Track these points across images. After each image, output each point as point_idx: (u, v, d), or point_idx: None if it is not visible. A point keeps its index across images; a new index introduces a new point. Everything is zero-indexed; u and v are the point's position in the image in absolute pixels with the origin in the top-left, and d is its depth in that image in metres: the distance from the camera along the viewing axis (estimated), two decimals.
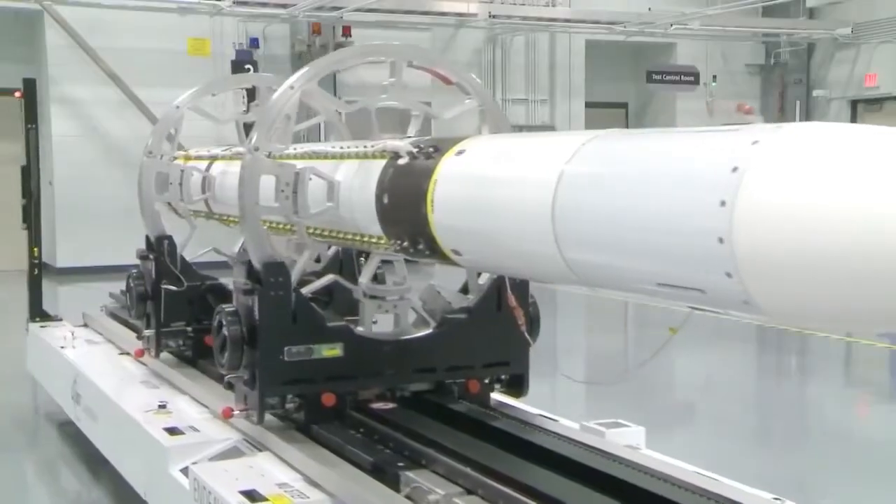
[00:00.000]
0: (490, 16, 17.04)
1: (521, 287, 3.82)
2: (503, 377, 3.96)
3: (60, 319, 7.20)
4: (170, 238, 5.02)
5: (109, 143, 15.54)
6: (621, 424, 3.74)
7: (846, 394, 8.27)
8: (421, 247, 3.20)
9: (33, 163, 7.17)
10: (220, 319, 3.63)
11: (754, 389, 8.46)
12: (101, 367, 5.40)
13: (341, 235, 3.69)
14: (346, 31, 16.15)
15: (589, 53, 18.53)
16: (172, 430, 3.98)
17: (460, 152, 3.00)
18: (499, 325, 3.87)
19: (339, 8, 15.43)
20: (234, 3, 15.18)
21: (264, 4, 15.53)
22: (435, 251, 3.16)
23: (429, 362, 3.81)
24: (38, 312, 7.21)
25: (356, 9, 15.37)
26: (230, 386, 3.73)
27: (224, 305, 3.67)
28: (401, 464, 3.15)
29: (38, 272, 7.26)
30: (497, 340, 3.89)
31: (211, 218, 5.33)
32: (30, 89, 7.14)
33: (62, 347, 6.09)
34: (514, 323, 3.82)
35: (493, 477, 2.93)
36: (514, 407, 3.93)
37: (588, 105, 18.41)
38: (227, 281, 5.17)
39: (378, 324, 3.98)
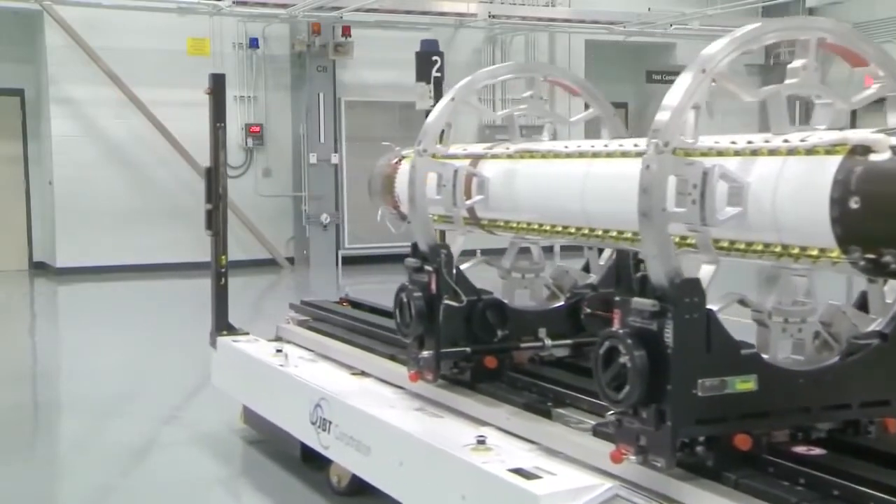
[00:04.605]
0: (490, 16, 16.74)
1: None
2: None
3: (247, 333, 6.69)
4: (447, 248, 4.47)
5: (109, 143, 15.39)
6: None
7: None
8: None
9: (221, 164, 6.64)
10: (616, 346, 3.05)
11: None
12: (354, 391, 4.85)
13: (754, 247, 3.11)
14: (346, 31, 15.98)
15: (588, 53, 18.18)
16: (522, 473, 3.41)
17: None
18: None
19: (339, 8, 15.20)
20: (233, 3, 14.96)
21: (264, 4, 15.36)
22: None
23: (843, 396, 3.21)
24: (224, 325, 6.69)
25: (356, 9, 15.14)
26: (619, 424, 3.15)
27: (615, 329, 3.10)
28: None
29: (224, 281, 6.72)
30: None
31: (472, 224, 4.78)
32: (219, 86, 6.61)
33: (281, 366, 5.57)
34: None
35: None
36: None
37: (587, 105, 18.02)
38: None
39: None
